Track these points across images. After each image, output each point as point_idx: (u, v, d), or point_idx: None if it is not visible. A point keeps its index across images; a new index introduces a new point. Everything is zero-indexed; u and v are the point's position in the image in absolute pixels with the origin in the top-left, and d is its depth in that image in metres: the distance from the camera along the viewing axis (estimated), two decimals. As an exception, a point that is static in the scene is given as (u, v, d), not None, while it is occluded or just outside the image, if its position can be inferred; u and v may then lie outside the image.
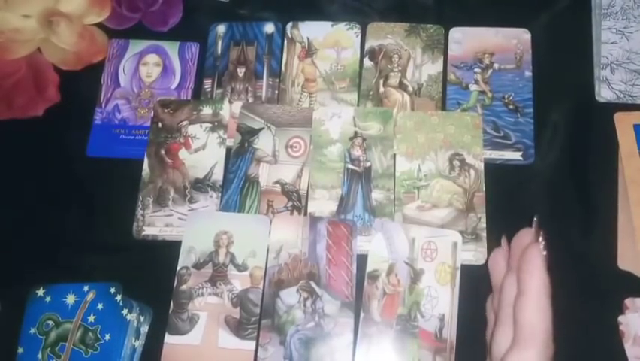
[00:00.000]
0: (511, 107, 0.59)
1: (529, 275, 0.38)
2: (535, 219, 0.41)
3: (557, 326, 0.45)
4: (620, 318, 0.50)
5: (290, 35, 0.64)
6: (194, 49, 0.64)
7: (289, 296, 0.52)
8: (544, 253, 0.39)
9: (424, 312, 0.50)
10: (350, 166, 0.57)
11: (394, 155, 0.57)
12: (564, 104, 0.59)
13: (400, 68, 0.62)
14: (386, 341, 0.49)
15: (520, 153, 0.57)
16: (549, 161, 0.57)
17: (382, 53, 0.62)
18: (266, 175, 0.58)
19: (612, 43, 0.61)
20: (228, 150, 0.59)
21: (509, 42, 0.62)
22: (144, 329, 0.52)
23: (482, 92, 0.60)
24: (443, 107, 0.60)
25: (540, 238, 0.40)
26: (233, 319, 0.51)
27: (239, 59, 0.63)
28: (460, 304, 0.50)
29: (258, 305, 0.52)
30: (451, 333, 0.49)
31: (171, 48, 0.64)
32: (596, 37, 0.62)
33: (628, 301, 0.50)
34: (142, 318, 0.51)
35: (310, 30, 0.64)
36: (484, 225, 0.54)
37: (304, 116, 0.60)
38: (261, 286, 0.52)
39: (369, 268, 0.52)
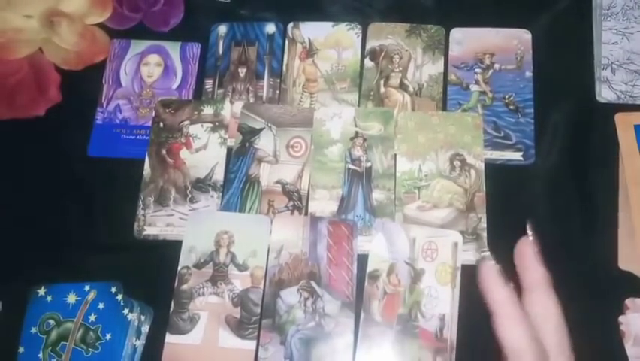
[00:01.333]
0: (511, 107, 0.59)
1: (526, 270, 0.38)
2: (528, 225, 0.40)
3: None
4: (621, 318, 0.50)
5: (291, 35, 0.64)
6: (195, 49, 0.64)
7: (290, 296, 0.52)
8: (535, 247, 0.38)
9: (425, 312, 0.50)
10: (351, 166, 0.57)
11: (395, 155, 0.57)
12: (565, 104, 0.59)
13: (400, 69, 0.62)
14: (386, 341, 0.49)
15: (521, 154, 0.57)
16: (550, 161, 0.57)
17: (383, 54, 0.62)
18: (267, 175, 0.58)
19: (613, 43, 0.61)
20: (229, 149, 0.59)
21: (510, 42, 0.62)
22: (145, 329, 0.52)
23: (483, 93, 0.60)
24: (444, 108, 0.60)
25: (529, 232, 0.39)
26: (234, 318, 0.51)
27: (240, 59, 0.64)
28: (461, 304, 0.50)
29: (258, 305, 0.52)
30: (451, 333, 0.49)
31: (172, 48, 0.64)
32: (596, 37, 0.62)
33: (628, 302, 0.50)
34: (143, 318, 0.52)
35: (311, 30, 0.64)
36: (485, 225, 0.54)
37: (305, 117, 0.60)
38: (261, 285, 0.52)
39: (369, 268, 0.52)
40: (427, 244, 0.52)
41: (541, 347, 0.35)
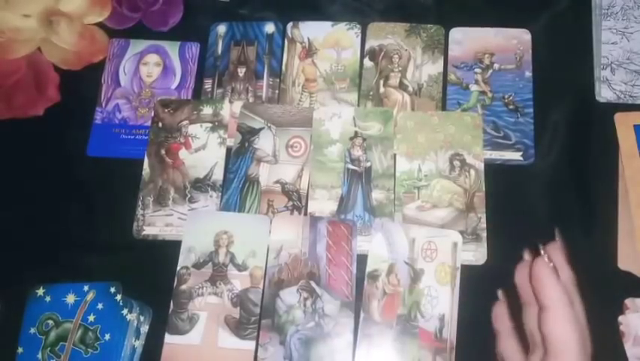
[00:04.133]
0: (511, 107, 0.59)
1: (542, 290, 0.38)
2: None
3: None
4: (620, 318, 0.50)
5: (290, 35, 0.64)
6: (194, 49, 0.64)
7: (289, 296, 0.52)
8: (551, 264, 0.39)
9: (424, 312, 0.50)
10: (350, 166, 0.57)
11: (394, 155, 0.57)
12: (564, 104, 0.59)
13: (400, 68, 0.62)
14: (386, 341, 0.49)
15: (521, 153, 0.57)
16: (549, 161, 0.57)
17: (382, 53, 0.62)
18: (266, 175, 0.58)
19: (612, 43, 0.61)
20: (229, 149, 0.59)
21: (509, 42, 0.62)
22: (144, 329, 0.52)
23: (482, 93, 0.60)
24: (443, 108, 0.60)
25: (542, 252, 0.40)
26: (233, 319, 0.51)
27: (239, 59, 0.63)
28: (460, 304, 0.50)
29: (257, 305, 0.52)
30: (451, 333, 0.49)
31: (172, 48, 0.64)
32: (596, 37, 0.62)
33: (628, 301, 0.50)
34: (142, 318, 0.51)
35: (310, 30, 0.64)
36: (484, 225, 0.54)
37: (304, 116, 0.60)
38: (261, 285, 0.52)
39: (369, 268, 0.52)
40: (427, 244, 0.52)
41: (587, 345, 0.36)
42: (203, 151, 0.59)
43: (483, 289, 0.51)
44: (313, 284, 0.52)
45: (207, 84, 0.63)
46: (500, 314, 0.44)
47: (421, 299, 0.50)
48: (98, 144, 0.60)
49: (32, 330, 0.50)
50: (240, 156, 0.59)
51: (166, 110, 0.61)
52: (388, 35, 0.63)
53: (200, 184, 0.57)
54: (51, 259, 0.56)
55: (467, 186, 0.55)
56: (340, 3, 0.65)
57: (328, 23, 0.64)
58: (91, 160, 0.60)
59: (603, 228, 0.54)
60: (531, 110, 0.59)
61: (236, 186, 0.57)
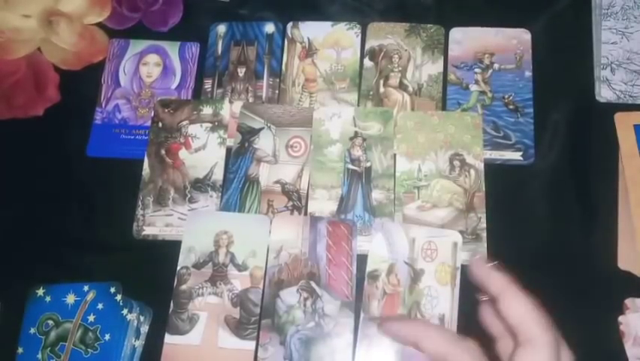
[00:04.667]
0: (511, 107, 0.59)
1: (488, 283, 0.38)
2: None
3: (558, 326, 0.45)
4: (620, 318, 0.50)
5: (290, 35, 0.64)
6: (194, 49, 0.64)
7: (289, 296, 0.52)
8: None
9: (424, 312, 0.50)
10: (350, 166, 0.57)
11: (394, 155, 0.57)
12: (564, 104, 0.59)
13: (400, 68, 0.62)
14: (386, 341, 0.49)
15: (521, 153, 0.57)
16: (549, 161, 0.57)
17: (382, 53, 0.62)
18: (266, 175, 0.58)
19: (612, 43, 0.61)
20: (228, 149, 0.59)
21: (509, 42, 0.62)
22: (144, 329, 0.52)
23: (482, 92, 0.60)
24: (443, 107, 0.60)
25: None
26: (233, 319, 0.51)
27: (239, 59, 0.63)
28: (460, 305, 0.50)
29: (258, 305, 0.52)
30: (451, 333, 0.49)
31: (171, 48, 0.64)
32: (596, 37, 0.62)
33: (628, 301, 0.50)
34: (142, 318, 0.51)
35: (310, 30, 0.64)
36: (484, 225, 0.54)
37: (304, 116, 0.60)
38: (261, 286, 0.52)
39: (369, 268, 0.52)
40: (427, 244, 0.52)
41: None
42: (203, 151, 0.59)
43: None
44: (313, 284, 0.52)
45: (207, 84, 0.63)
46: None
47: (421, 299, 0.50)
48: (97, 144, 0.60)
49: (32, 330, 0.50)
50: (240, 156, 0.59)
51: (166, 110, 0.61)
52: (388, 35, 0.63)
53: (200, 184, 0.57)
54: (51, 259, 0.56)
55: (467, 186, 0.55)
56: (340, 3, 0.65)
57: (328, 23, 0.64)
58: (91, 160, 0.60)
59: (603, 228, 0.54)
60: (531, 110, 0.59)
61: (237, 186, 0.57)
